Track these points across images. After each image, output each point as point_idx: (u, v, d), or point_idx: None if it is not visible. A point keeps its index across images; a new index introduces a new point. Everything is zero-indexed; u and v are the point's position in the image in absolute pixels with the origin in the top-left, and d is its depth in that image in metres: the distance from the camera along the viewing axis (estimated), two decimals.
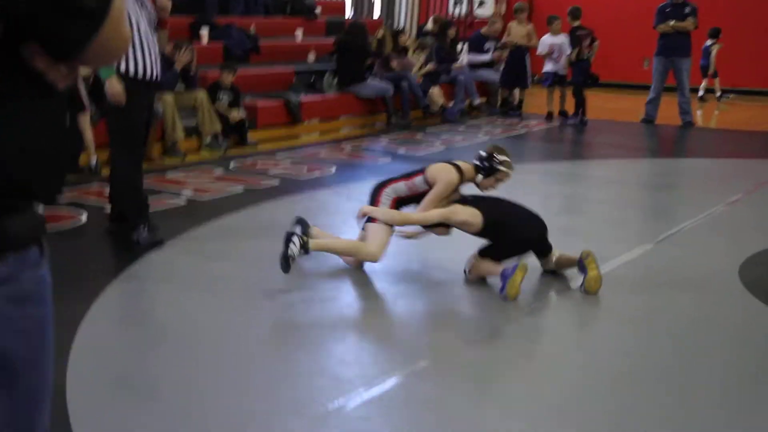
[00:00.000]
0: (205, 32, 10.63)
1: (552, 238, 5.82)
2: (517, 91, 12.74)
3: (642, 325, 4.24)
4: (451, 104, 12.05)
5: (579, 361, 3.76)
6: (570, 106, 12.10)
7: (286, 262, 4.45)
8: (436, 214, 4.58)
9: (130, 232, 5.28)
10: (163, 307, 4.34)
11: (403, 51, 11.47)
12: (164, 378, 3.46)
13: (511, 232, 4.66)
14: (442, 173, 4.69)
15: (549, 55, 12.11)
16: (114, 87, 4.98)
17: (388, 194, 4.82)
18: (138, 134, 5.32)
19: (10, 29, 1.28)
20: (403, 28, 12.97)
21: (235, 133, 9.07)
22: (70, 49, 1.32)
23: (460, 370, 3.59)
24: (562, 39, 12.04)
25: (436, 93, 11.67)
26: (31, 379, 1.45)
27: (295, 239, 4.48)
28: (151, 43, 5.13)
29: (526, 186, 7.85)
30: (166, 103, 8.20)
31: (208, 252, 5.03)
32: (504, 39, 12.67)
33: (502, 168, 4.77)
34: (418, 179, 4.78)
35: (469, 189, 5.03)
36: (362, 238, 4.76)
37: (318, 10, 13.29)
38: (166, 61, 8.31)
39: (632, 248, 5.55)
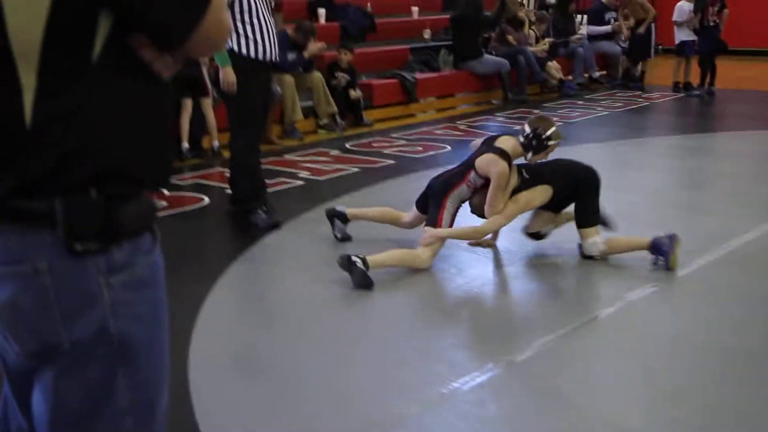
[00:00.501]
0: (322, 12, 10.76)
1: (674, 213, 5.70)
2: (641, 63, 12.33)
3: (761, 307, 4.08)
4: (569, 78, 11.80)
5: (694, 342, 3.65)
6: (695, 77, 11.62)
7: (366, 281, 4.27)
8: (509, 212, 4.50)
9: (248, 214, 5.42)
10: (279, 289, 4.45)
11: (520, 25, 11.28)
12: (278, 357, 3.55)
13: (584, 184, 4.63)
14: (491, 166, 4.48)
15: (686, 22, 11.54)
16: (228, 76, 5.14)
17: (452, 202, 4.62)
18: (255, 116, 5.42)
19: (118, 21, 1.36)
20: (521, 1, 12.72)
21: (352, 113, 9.16)
22: (176, 37, 1.40)
23: (569, 353, 3.55)
24: None
25: (553, 67, 11.43)
26: (149, 362, 1.53)
27: (357, 262, 4.25)
28: (270, 25, 5.26)
29: (648, 160, 7.68)
30: (287, 84, 8.34)
31: (323, 234, 5.10)
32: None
33: (551, 143, 4.65)
34: (472, 176, 4.62)
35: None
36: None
37: None
38: (290, 44, 8.49)
39: (758, 224, 5.32)
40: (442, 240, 4.59)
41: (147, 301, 1.51)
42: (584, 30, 12.63)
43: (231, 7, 5.16)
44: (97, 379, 1.46)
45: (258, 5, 5.17)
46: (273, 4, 5.46)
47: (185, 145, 7.44)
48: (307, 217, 5.62)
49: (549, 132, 4.63)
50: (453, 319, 4.04)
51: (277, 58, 5.40)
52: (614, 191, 6.27)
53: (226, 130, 7.82)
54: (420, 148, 7.97)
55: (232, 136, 5.61)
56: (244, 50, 5.18)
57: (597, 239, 4.54)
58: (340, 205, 5.17)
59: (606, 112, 10.14)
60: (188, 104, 7.40)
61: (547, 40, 11.66)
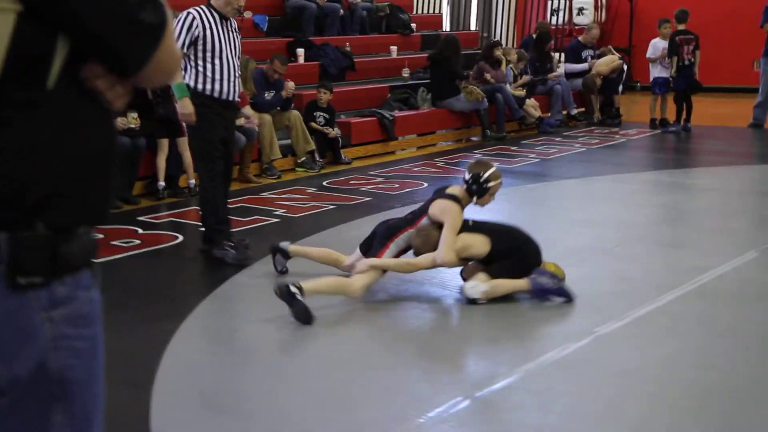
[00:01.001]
0: (301, 51, 10.85)
1: (647, 247, 5.74)
2: (617, 99, 12.46)
3: (732, 338, 4.09)
4: (548, 115, 11.90)
5: (659, 376, 3.65)
6: (671, 113, 11.74)
7: (307, 316, 4.26)
8: (444, 255, 4.50)
9: (214, 249, 5.44)
10: (248, 327, 4.44)
11: (498, 63, 11.40)
12: (245, 395, 3.53)
13: (521, 249, 4.65)
14: (446, 210, 4.59)
15: (659, 59, 11.70)
16: (186, 107, 5.27)
17: (396, 245, 4.69)
18: (213, 150, 5.48)
19: (73, 50, 1.37)
20: (498, 40, 12.87)
21: (330, 151, 9.20)
22: (132, 65, 1.41)
23: (536, 387, 3.54)
24: None
25: (531, 104, 11.54)
26: (85, 397, 1.51)
27: (296, 294, 4.24)
28: (233, 66, 5.42)
29: (622, 196, 7.73)
30: (264, 123, 8.38)
31: (298, 271, 5.09)
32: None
33: (491, 184, 4.73)
34: (423, 221, 4.71)
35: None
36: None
37: (414, 25, 13.36)
38: (267, 83, 8.56)
39: (730, 259, 5.35)
40: (377, 272, 4.59)
41: (86, 336, 1.50)
42: (562, 68, 12.76)
43: (194, 44, 5.29)
44: (35, 415, 1.44)
45: (223, 46, 5.35)
46: (239, 51, 5.59)
47: (161, 183, 7.44)
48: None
49: (486, 174, 4.71)
50: (420, 353, 4.02)
51: (237, 98, 5.55)
52: (587, 226, 6.35)
53: None
54: (397, 185, 8.00)
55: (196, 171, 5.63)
56: (200, 87, 5.35)
57: (481, 286, 4.52)
58: (284, 241, 5.19)
59: (583, 149, 10.22)
60: (164, 144, 7.42)
61: (525, 77, 11.77)
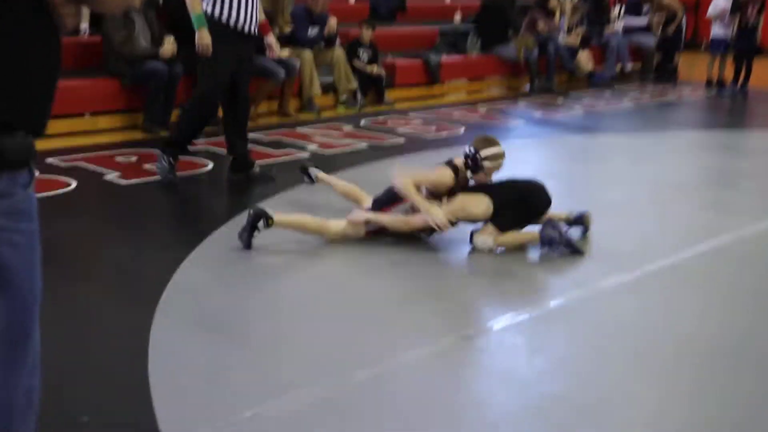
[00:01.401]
0: None
1: (682, 207, 5.63)
2: (676, 57, 12.15)
3: (735, 298, 4.03)
4: (601, 69, 11.67)
5: (654, 331, 3.62)
6: (729, 74, 11.42)
7: (248, 242, 4.39)
8: (443, 212, 4.44)
9: (159, 155, 5.65)
10: (262, 255, 4.48)
11: (551, 13, 11.17)
12: (248, 321, 3.59)
13: (524, 198, 4.59)
14: (436, 169, 4.58)
15: (719, 18, 11.38)
16: (203, 38, 5.35)
17: (398, 210, 4.66)
18: (216, 76, 5.51)
19: None
20: None
21: (373, 91, 9.18)
22: None
23: (532, 335, 3.55)
24: None
25: (584, 57, 11.31)
26: (23, 286, 1.62)
27: (260, 225, 4.38)
28: None
29: (663, 154, 7.58)
30: (305, 59, 8.39)
31: (314, 204, 5.13)
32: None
33: (486, 164, 4.56)
34: (423, 189, 4.63)
35: None
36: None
37: None
38: (311, 19, 8.54)
39: (761, 221, 5.24)
40: (361, 228, 4.57)
41: (23, 230, 1.59)
42: (620, 23, 12.43)
43: None
44: None
45: None
46: None
47: None
48: (304, 187, 5.64)
49: (485, 153, 4.55)
50: (418, 292, 4.03)
51: (255, 31, 5.54)
52: (621, 182, 6.26)
53: None
54: (434, 128, 7.96)
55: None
56: (216, 15, 5.37)
57: (489, 239, 4.48)
58: (314, 168, 5.33)
59: (632, 104, 10.02)
60: None
61: (579, 29, 11.52)
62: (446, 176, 4.56)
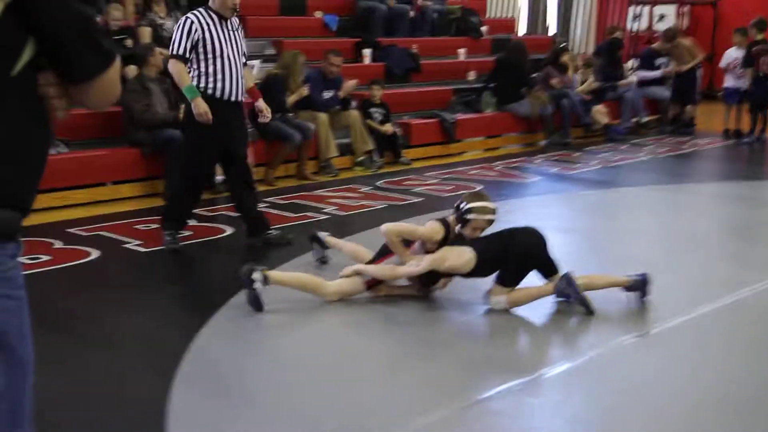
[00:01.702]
0: (367, 52, 10.96)
1: (700, 260, 5.61)
2: (689, 108, 12.19)
3: (756, 354, 4.00)
4: (616, 123, 11.72)
5: (675, 389, 3.59)
6: (745, 124, 11.44)
7: (257, 305, 4.46)
8: (424, 263, 4.46)
9: (163, 231, 5.77)
10: (282, 321, 4.50)
11: (564, 69, 11.28)
12: (268, 389, 3.60)
13: (509, 248, 4.51)
14: (427, 225, 4.63)
15: (731, 69, 11.48)
16: (199, 107, 5.51)
17: (392, 262, 4.70)
18: (204, 147, 5.68)
19: (36, 55, 1.62)
20: (565, 46, 12.71)
21: (390, 151, 9.27)
22: (83, 75, 1.68)
23: (549, 395, 3.53)
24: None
25: (599, 111, 11.38)
26: (21, 351, 1.75)
27: (256, 282, 4.45)
28: (235, 67, 5.60)
29: (685, 207, 7.59)
30: (320, 122, 8.52)
31: (335, 267, 5.17)
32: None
33: (471, 216, 4.53)
34: (416, 244, 4.69)
35: None
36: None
37: (485, 28, 13.32)
38: (326, 82, 8.70)
39: None
40: (360, 285, 4.64)
41: (15, 297, 1.74)
42: (634, 76, 12.52)
43: (195, 47, 5.50)
44: None
45: (223, 46, 5.53)
46: (244, 49, 5.76)
47: (219, 177, 7.62)
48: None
49: (470, 205, 4.54)
50: (433, 352, 4.03)
51: (241, 98, 5.71)
52: (638, 235, 6.26)
53: (261, 164, 8.10)
54: (451, 188, 8.01)
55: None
56: (202, 86, 5.54)
57: (502, 299, 4.48)
58: (323, 232, 5.38)
59: (649, 157, 10.04)
60: None
61: (593, 84, 11.60)
62: (436, 231, 4.60)
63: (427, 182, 8.27)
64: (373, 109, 9.23)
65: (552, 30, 16.48)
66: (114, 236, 6.01)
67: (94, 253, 5.57)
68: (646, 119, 12.15)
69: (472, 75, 11.48)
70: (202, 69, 5.54)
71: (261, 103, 6.08)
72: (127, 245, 5.84)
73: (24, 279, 1.77)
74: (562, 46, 12.25)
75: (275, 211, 6.88)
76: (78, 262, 5.41)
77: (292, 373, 3.79)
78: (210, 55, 5.50)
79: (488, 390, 3.56)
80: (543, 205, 7.39)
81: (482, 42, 13.03)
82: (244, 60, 5.74)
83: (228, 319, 4.44)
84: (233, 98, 5.63)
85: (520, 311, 4.55)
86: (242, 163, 5.91)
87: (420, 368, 3.83)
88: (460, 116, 10.42)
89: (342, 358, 4.00)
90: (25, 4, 1.56)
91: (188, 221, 5.96)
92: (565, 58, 11.30)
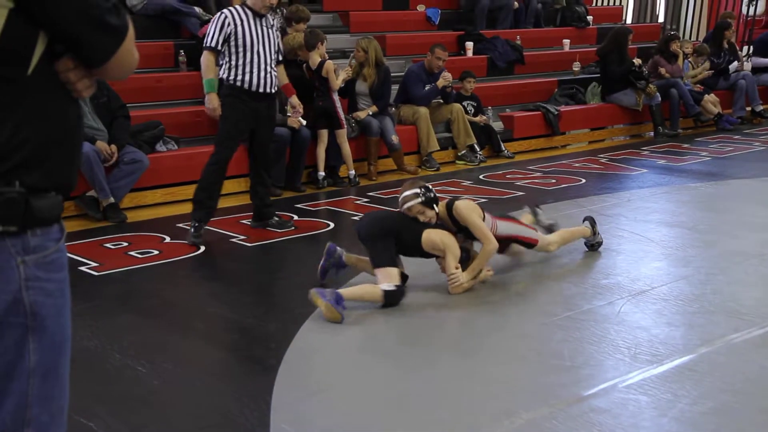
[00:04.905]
0: (470, 45, 10.89)
1: None
2: None
3: None
4: (728, 112, 11.30)
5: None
6: None
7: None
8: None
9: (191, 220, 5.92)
10: (380, 317, 4.53)
11: (674, 57, 10.94)
12: (367, 385, 3.63)
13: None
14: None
15: None
16: (211, 102, 5.95)
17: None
18: (229, 139, 5.93)
19: (50, 47, 1.69)
20: (675, 33, 12.31)
21: (489, 144, 9.19)
22: (98, 58, 1.74)
23: (660, 391, 3.44)
24: None
25: (710, 100, 10.99)
26: (54, 329, 1.81)
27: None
28: (264, 60, 5.86)
29: None
30: (421, 116, 8.52)
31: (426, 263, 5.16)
32: None
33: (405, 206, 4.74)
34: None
35: None
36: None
37: (591, 18, 13.05)
38: (428, 76, 8.69)
39: None
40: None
41: (55, 279, 1.80)
42: (748, 63, 12.04)
43: (228, 40, 5.77)
44: (12, 342, 1.75)
45: (255, 40, 5.80)
46: (279, 47, 6.07)
47: (321, 173, 7.73)
48: None
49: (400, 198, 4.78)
50: (531, 349, 3.98)
51: (271, 90, 5.94)
52: (750, 229, 6.02)
53: (362, 160, 8.16)
54: (554, 181, 7.89)
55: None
56: (231, 78, 5.82)
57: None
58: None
59: (763, 148, 9.64)
60: (324, 135, 7.71)
61: (703, 70, 11.20)
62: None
63: (530, 176, 8.17)
64: (465, 102, 9.15)
65: (661, 18, 16.01)
66: (220, 231, 6.17)
67: (201, 248, 5.72)
68: (760, 108, 11.67)
69: (577, 66, 11.27)
70: (233, 62, 5.81)
71: (294, 99, 6.45)
72: (233, 239, 5.98)
73: (67, 260, 1.84)
74: (672, 33, 11.88)
75: (378, 206, 6.91)
76: (186, 256, 5.57)
77: (393, 366, 3.80)
78: (241, 49, 5.78)
79: (592, 387, 3.50)
80: (649, 198, 7.19)
81: (588, 31, 12.79)
82: (278, 57, 6.05)
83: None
84: (261, 89, 5.86)
85: (623, 305, 4.45)
86: (264, 155, 6.17)
87: (519, 365, 3.79)
88: (564, 108, 10.24)
89: (443, 351, 3.99)
90: (29, 4, 1.62)
91: (213, 212, 6.04)
92: (674, 46, 10.95)
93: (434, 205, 4.72)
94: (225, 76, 5.87)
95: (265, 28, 5.88)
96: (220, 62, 5.90)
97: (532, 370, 3.72)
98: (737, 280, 4.90)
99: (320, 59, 7.60)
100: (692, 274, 4.88)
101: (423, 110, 8.57)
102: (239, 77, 5.82)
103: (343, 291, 4.43)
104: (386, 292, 4.47)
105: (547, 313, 4.45)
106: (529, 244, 5.11)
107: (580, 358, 3.87)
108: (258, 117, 5.95)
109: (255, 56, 5.81)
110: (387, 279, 4.52)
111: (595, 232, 5.50)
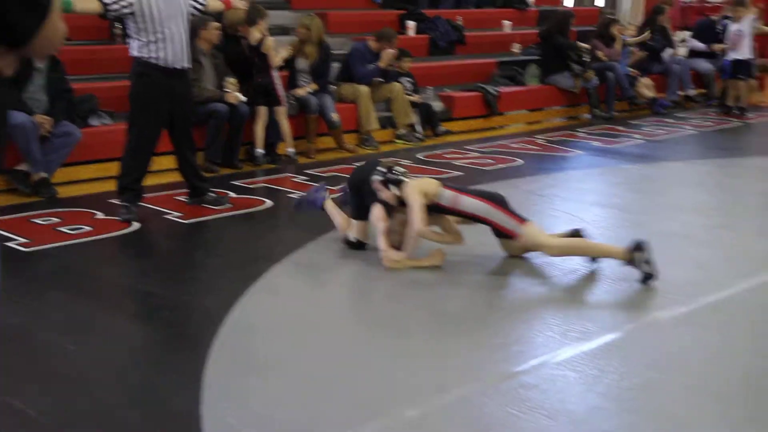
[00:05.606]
0: (412, 24, 10.88)
1: (740, 236, 5.52)
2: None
3: None
4: (662, 96, 11.51)
5: (710, 364, 3.55)
6: None
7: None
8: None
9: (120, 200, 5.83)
10: (316, 293, 4.54)
11: (611, 41, 11.09)
12: (303, 362, 3.62)
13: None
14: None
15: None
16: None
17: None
18: (142, 117, 5.73)
19: None
20: (614, 17, 12.48)
21: (429, 124, 9.22)
22: (23, 36, 1.67)
23: (583, 371, 3.52)
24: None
25: (644, 84, 11.19)
26: None
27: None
28: (178, 34, 5.64)
29: (726, 182, 7.46)
30: (361, 95, 8.51)
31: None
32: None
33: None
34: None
35: None
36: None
37: (531, 0, 13.16)
38: (371, 55, 8.67)
39: None
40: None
41: None
42: (683, 48, 12.24)
43: (134, 14, 5.53)
44: None
45: (164, 14, 5.55)
46: (189, 15, 5.82)
47: (259, 150, 7.66)
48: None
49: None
50: (454, 331, 4.03)
51: (184, 65, 5.76)
52: (679, 211, 6.17)
53: (301, 138, 8.13)
54: (492, 161, 7.96)
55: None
56: (145, 54, 5.60)
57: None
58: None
59: (694, 132, 9.86)
60: (262, 112, 7.63)
61: (637, 52, 11.36)
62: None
63: (469, 156, 8.22)
64: (402, 79, 9.13)
65: (599, 2, 16.21)
66: (154, 207, 6.08)
67: (135, 224, 5.65)
68: (693, 93, 11.92)
69: (517, 47, 11.35)
70: (143, 38, 5.59)
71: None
72: (167, 216, 5.91)
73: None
74: (610, 17, 12.03)
75: (316, 184, 6.87)
76: (119, 233, 5.49)
77: (328, 344, 3.81)
78: (150, 24, 5.54)
79: (523, 364, 3.56)
80: (584, 179, 7.32)
81: (529, 13, 12.89)
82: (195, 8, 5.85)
83: (265, 289, 4.47)
84: (177, 66, 5.70)
85: (554, 284, 4.53)
86: (185, 136, 6.01)
87: (452, 341, 3.83)
88: (504, 89, 10.32)
89: (378, 328, 4.02)
90: None
91: (143, 194, 5.96)
92: (613, 30, 11.09)
93: (391, 187, 4.80)
94: (136, 52, 5.64)
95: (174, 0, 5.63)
96: (128, 40, 5.71)
97: (464, 347, 3.76)
98: (665, 260, 4.98)
99: (260, 36, 7.53)
100: None
101: (364, 89, 8.56)
102: (153, 54, 5.59)
103: (330, 207, 5.33)
104: (346, 242, 5.10)
105: (479, 291, 4.51)
106: (503, 234, 4.84)
107: (512, 335, 3.94)
108: (173, 96, 5.75)
109: (166, 30, 5.58)
110: (352, 230, 5.09)
111: (635, 259, 4.52)
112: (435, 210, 4.83)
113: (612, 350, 3.73)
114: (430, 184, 4.88)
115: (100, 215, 5.87)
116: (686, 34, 12.69)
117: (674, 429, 3.05)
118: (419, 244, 4.75)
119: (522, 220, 4.74)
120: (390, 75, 8.93)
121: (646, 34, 11.38)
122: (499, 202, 4.82)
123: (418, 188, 4.81)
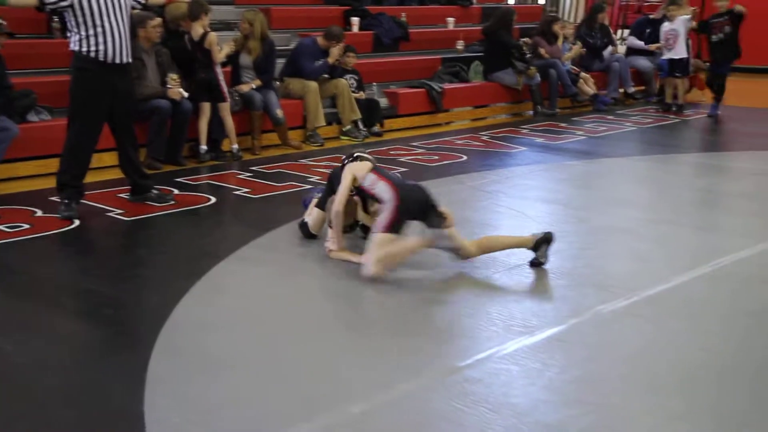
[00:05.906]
0: (356, 20, 10.87)
1: (678, 230, 5.64)
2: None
3: (732, 322, 4.04)
4: (603, 93, 11.70)
5: (648, 356, 3.63)
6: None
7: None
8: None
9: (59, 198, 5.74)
10: (261, 290, 4.51)
11: (554, 38, 11.23)
12: (248, 358, 3.60)
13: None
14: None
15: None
16: None
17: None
18: (83, 114, 5.66)
19: None
20: (557, 15, 12.65)
21: (372, 119, 9.21)
22: None
23: (527, 363, 3.56)
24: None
25: (586, 81, 11.36)
26: None
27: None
28: (119, 27, 5.58)
29: (664, 177, 7.62)
30: (310, 90, 8.49)
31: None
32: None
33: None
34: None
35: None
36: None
37: None
38: (319, 51, 8.65)
39: (758, 243, 5.26)
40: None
41: None
42: (622, 46, 12.46)
43: (72, 7, 5.44)
44: None
45: (103, 8, 5.49)
46: (130, 8, 5.76)
47: (203, 147, 7.60)
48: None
49: None
50: (402, 327, 4.06)
51: (125, 60, 5.68)
52: (617, 206, 6.28)
53: (245, 134, 8.07)
54: (437, 157, 8.00)
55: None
56: (84, 49, 5.52)
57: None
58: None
59: (634, 128, 10.04)
60: (206, 108, 7.57)
61: (575, 48, 11.50)
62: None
63: (414, 152, 8.26)
64: (347, 76, 9.13)
65: (541, 0, 16.40)
66: (96, 205, 5.99)
67: (76, 222, 5.55)
68: (632, 89, 12.13)
69: (460, 44, 11.42)
70: (82, 32, 5.50)
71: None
72: (109, 214, 5.82)
73: None
74: (553, 15, 12.18)
75: (261, 181, 6.87)
76: (59, 230, 5.40)
77: (273, 341, 3.80)
78: (89, 18, 5.47)
79: (467, 358, 3.59)
80: (528, 175, 7.40)
81: (472, 10, 12.98)
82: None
83: (210, 286, 4.45)
84: (117, 60, 5.62)
85: (499, 279, 4.58)
86: (126, 132, 5.94)
87: (398, 337, 3.85)
88: (448, 86, 10.38)
89: (324, 325, 4.02)
90: None
91: (83, 191, 5.88)
92: (555, 27, 11.23)
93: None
94: (76, 47, 5.53)
95: None
96: (68, 33, 5.61)
97: (408, 342, 3.78)
98: (607, 255, 5.12)
99: (203, 31, 7.45)
100: (565, 248, 5.05)
101: (313, 84, 8.54)
102: (93, 48, 5.50)
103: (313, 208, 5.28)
104: (300, 224, 5.29)
105: (424, 286, 4.53)
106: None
107: (456, 330, 3.97)
108: (115, 92, 5.68)
109: (106, 23, 5.50)
110: (311, 215, 5.23)
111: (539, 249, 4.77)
112: (359, 193, 4.93)
113: (554, 344, 3.79)
114: (362, 168, 4.93)
115: (39, 213, 5.76)
116: (623, 33, 12.92)
117: (613, 420, 3.11)
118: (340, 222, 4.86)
119: (389, 228, 4.60)
120: (336, 71, 8.92)
121: (579, 50, 11.48)
122: (403, 199, 4.65)
123: (351, 170, 4.93)
